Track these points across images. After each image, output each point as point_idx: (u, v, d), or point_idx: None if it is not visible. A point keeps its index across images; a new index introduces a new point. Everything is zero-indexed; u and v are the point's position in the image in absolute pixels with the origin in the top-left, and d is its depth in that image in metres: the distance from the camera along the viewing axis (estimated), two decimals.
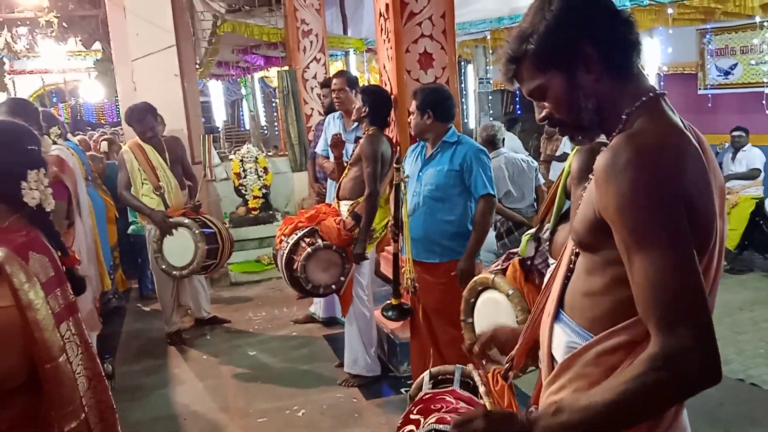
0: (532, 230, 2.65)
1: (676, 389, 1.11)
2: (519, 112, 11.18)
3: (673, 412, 1.25)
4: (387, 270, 4.69)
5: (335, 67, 10.87)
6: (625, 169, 1.15)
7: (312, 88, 7.55)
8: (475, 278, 2.75)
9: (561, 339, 1.37)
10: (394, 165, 3.51)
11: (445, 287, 3.54)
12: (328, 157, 5.00)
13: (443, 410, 1.54)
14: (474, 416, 1.20)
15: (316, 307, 5.46)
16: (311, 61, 7.54)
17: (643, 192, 1.14)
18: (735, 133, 6.96)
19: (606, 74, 1.27)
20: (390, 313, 3.75)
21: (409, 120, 3.58)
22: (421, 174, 3.58)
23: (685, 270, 1.12)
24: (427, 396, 1.68)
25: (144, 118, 4.97)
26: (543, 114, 1.35)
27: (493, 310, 2.62)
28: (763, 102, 7.36)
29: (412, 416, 1.58)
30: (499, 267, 2.68)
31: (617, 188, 1.16)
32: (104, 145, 7.39)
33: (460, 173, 3.49)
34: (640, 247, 1.15)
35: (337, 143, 4.49)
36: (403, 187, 3.47)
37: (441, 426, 1.46)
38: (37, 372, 1.64)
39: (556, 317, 1.40)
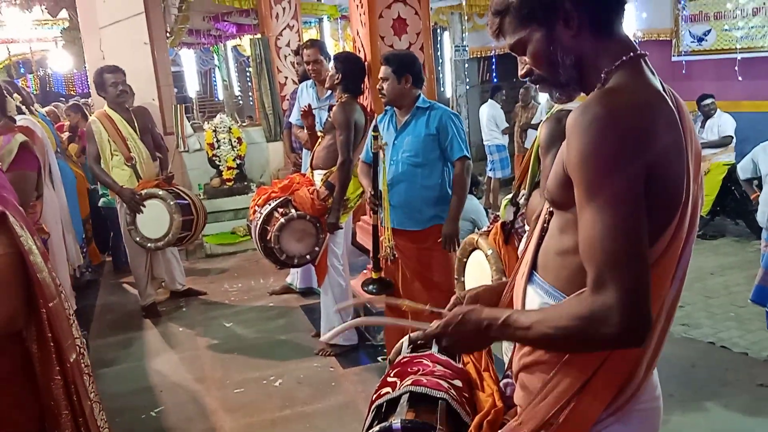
0: (510, 195, 2.71)
1: (594, 345, 1.18)
2: (495, 80, 11.13)
3: (644, 371, 1.25)
4: (363, 240, 4.67)
5: (309, 35, 10.73)
6: (591, 124, 1.15)
7: (285, 56, 7.43)
8: (466, 239, 2.89)
9: (534, 300, 1.37)
10: (372, 133, 3.45)
11: (428, 252, 3.56)
12: (302, 127, 4.94)
13: (420, 373, 1.54)
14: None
15: (293, 277, 5.44)
16: (284, 29, 7.40)
17: (602, 149, 1.14)
18: (704, 102, 6.99)
19: (586, 31, 1.26)
20: (371, 287, 3.73)
21: (379, 86, 3.52)
22: (396, 142, 3.54)
23: (625, 232, 1.13)
24: (404, 360, 1.67)
25: (100, 76, 4.82)
26: (524, 70, 1.37)
27: (478, 270, 2.76)
28: (736, 68, 7.41)
29: (389, 379, 1.58)
30: (485, 229, 2.84)
31: (580, 143, 1.16)
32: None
33: (437, 137, 3.47)
34: (588, 203, 1.16)
35: (307, 113, 4.42)
36: (382, 156, 3.43)
37: (417, 388, 1.46)
38: (35, 317, 1.80)
39: (529, 279, 1.40)
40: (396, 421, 1.38)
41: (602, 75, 1.26)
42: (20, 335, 1.83)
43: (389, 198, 3.52)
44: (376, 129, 3.46)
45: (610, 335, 1.12)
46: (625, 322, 1.10)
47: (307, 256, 4.01)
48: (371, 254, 3.77)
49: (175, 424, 3.54)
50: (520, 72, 1.39)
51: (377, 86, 3.55)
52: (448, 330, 1.33)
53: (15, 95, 4.16)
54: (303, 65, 5.40)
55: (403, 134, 3.53)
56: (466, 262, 2.86)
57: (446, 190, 3.55)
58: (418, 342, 1.81)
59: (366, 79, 4.18)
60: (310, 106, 4.49)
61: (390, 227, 3.54)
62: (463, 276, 2.88)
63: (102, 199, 6.28)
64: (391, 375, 1.60)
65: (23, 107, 4.24)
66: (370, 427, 1.44)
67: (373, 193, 3.56)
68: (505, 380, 1.52)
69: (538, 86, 1.39)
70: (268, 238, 3.91)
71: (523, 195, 2.63)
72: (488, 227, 2.84)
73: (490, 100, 9.35)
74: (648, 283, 1.12)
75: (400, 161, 3.51)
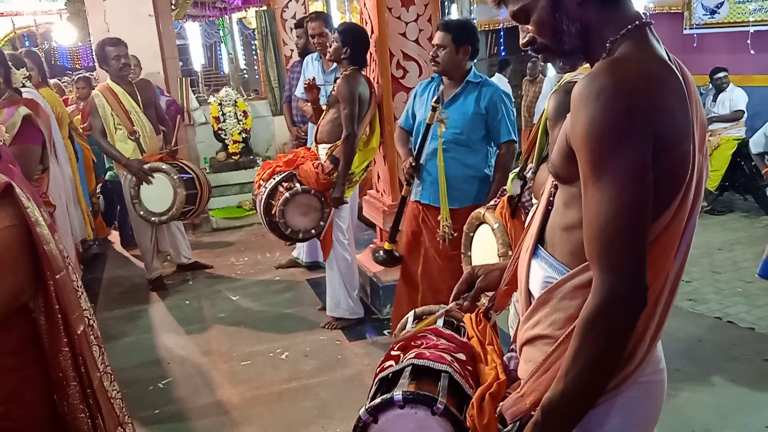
0: (517, 169, 2.69)
1: (617, 330, 1.15)
2: (503, 53, 11.01)
3: (648, 343, 1.25)
4: (370, 214, 4.66)
5: (315, 7, 10.59)
6: (598, 95, 1.12)
7: (291, 29, 7.32)
8: (473, 213, 2.82)
9: (538, 274, 1.36)
10: (432, 104, 3.27)
11: (460, 234, 3.28)
12: (308, 101, 4.89)
13: (423, 346, 1.54)
14: None
15: (299, 251, 5.45)
16: (290, 1, 7.31)
17: (609, 122, 1.11)
18: (717, 75, 6.91)
19: None
20: (379, 254, 3.71)
21: (434, 53, 3.34)
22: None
23: (630, 211, 1.12)
24: (409, 334, 1.68)
25: (102, 49, 4.77)
26: (526, 38, 1.33)
27: (484, 244, 2.72)
28: (748, 42, 7.29)
29: (393, 353, 1.59)
30: (493, 203, 2.78)
31: (586, 114, 1.13)
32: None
33: (485, 116, 3.32)
34: (594, 180, 1.14)
35: (311, 87, 4.35)
36: (440, 129, 3.26)
37: (419, 361, 1.46)
38: (42, 289, 1.80)
39: (534, 253, 1.39)
40: (398, 393, 1.39)
41: (607, 44, 1.23)
42: (27, 308, 1.83)
43: (426, 171, 3.42)
44: (438, 100, 3.26)
45: (624, 321, 1.14)
46: (633, 303, 1.14)
47: (312, 231, 4.01)
48: (391, 225, 3.72)
49: (182, 396, 3.58)
50: (522, 41, 1.35)
51: (431, 53, 3.36)
52: None
53: (23, 69, 4.12)
54: (303, 38, 5.36)
55: (450, 108, 3.34)
56: (473, 237, 2.84)
57: (485, 172, 3.41)
58: (423, 317, 1.82)
59: (371, 51, 4.13)
60: (314, 79, 4.44)
61: (447, 205, 3.37)
62: (470, 250, 2.86)
63: (108, 173, 6.28)
64: (395, 349, 1.61)
65: (28, 82, 4.20)
66: (373, 399, 1.44)
67: (414, 164, 3.45)
68: (509, 354, 1.52)
69: (540, 56, 1.35)
70: (273, 212, 3.90)
71: (530, 169, 2.60)
72: (495, 201, 2.80)
73: (497, 74, 9.25)
74: (646, 259, 1.14)
75: (443, 136, 3.33)
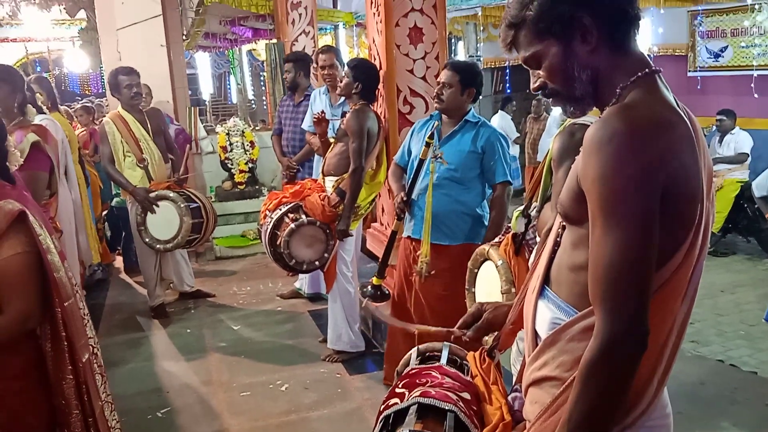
0: (521, 207, 2.71)
1: (619, 379, 1.16)
2: (509, 90, 11.13)
3: (655, 388, 1.25)
4: (373, 247, 4.67)
5: (324, 41, 10.76)
6: (611, 140, 1.14)
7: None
8: (477, 250, 2.84)
9: (545, 315, 1.36)
10: (426, 140, 3.31)
11: (450, 273, 3.34)
12: (315, 133, 4.95)
13: (428, 384, 1.54)
14: None
15: (302, 282, 5.45)
16: (300, 35, 7.43)
17: (621, 166, 1.13)
18: (719, 117, 6.97)
19: (602, 46, 1.26)
20: (367, 289, 3.71)
21: (438, 91, 3.39)
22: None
23: (635, 254, 1.13)
24: (413, 371, 1.68)
25: (114, 77, 4.85)
26: (537, 83, 1.35)
27: (488, 280, 2.73)
28: (752, 85, 7.37)
29: (397, 390, 1.58)
30: (497, 240, 2.79)
31: (598, 158, 1.15)
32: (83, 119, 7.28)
33: (481, 156, 3.36)
34: (602, 222, 1.16)
35: (320, 120, 4.41)
36: (431, 165, 3.31)
37: (425, 399, 1.46)
38: (50, 315, 1.83)
39: (540, 293, 1.40)
40: None
41: (617, 90, 1.26)
42: (34, 333, 1.85)
43: (417, 206, 3.46)
44: (431, 136, 3.30)
45: (625, 365, 1.15)
46: (634, 348, 1.15)
47: (317, 262, 4.01)
48: (380, 260, 3.72)
49: (181, 426, 3.55)
50: (533, 85, 1.38)
51: (436, 91, 3.41)
52: None
53: (38, 95, 4.18)
54: (292, 72, 5.50)
55: (446, 146, 3.39)
56: (476, 273, 2.85)
57: (478, 211, 3.43)
58: (426, 354, 1.83)
59: (380, 86, 4.19)
60: (323, 112, 4.48)
61: (429, 240, 3.42)
62: (474, 287, 2.86)
63: (115, 199, 6.32)
64: (400, 386, 1.60)
65: (44, 107, 4.26)
66: None
67: (405, 199, 3.48)
68: (513, 394, 1.52)
69: (551, 100, 1.38)
70: (278, 243, 3.92)
71: (534, 207, 2.62)
72: (499, 238, 2.82)
73: (500, 111, 9.36)
74: (648, 306, 1.15)
75: (437, 171, 3.37)
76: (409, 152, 3.59)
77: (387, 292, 3.67)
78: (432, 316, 3.46)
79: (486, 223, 3.44)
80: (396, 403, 1.51)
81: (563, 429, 1.19)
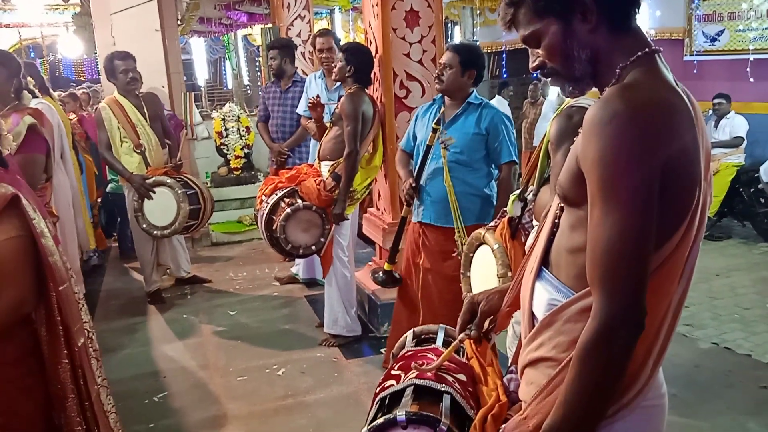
0: (518, 191, 2.71)
1: (616, 352, 1.16)
2: (505, 75, 11.09)
3: (651, 368, 1.26)
4: (369, 232, 4.68)
5: (320, 25, 10.70)
6: (611, 121, 1.14)
7: (296, 47, 7.42)
8: (473, 234, 2.84)
9: (542, 296, 1.36)
10: (433, 125, 3.32)
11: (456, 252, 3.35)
12: (310, 118, 4.93)
13: (423, 366, 1.54)
14: None
15: (298, 267, 5.45)
16: (295, 19, 7.36)
17: (621, 147, 1.13)
18: (716, 101, 6.96)
19: (602, 25, 1.25)
20: (379, 275, 3.73)
21: (439, 72, 3.39)
22: (441, 135, 3.40)
23: (633, 235, 1.13)
24: (409, 353, 1.68)
25: (110, 62, 4.82)
26: (536, 62, 1.34)
27: (484, 265, 2.74)
28: (748, 69, 7.35)
29: (393, 372, 1.59)
30: (493, 224, 2.80)
31: (599, 140, 1.15)
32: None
33: (485, 138, 3.35)
34: (601, 203, 1.15)
35: (316, 105, 4.38)
36: (442, 150, 3.31)
37: (421, 381, 1.46)
38: (45, 300, 1.82)
39: (538, 275, 1.40)
40: (401, 413, 1.39)
41: (617, 70, 1.25)
42: (29, 318, 1.84)
43: (426, 192, 3.46)
44: (438, 122, 3.32)
45: (621, 347, 1.15)
46: (632, 329, 1.15)
47: (313, 247, 4.02)
48: (391, 245, 3.74)
49: (177, 410, 3.56)
50: (532, 64, 1.37)
51: (437, 72, 3.41)
52: None
53: (29, 79, 4.16)
54: (278, 59, 5.49)
55: (451, 129, 3.39)
56: (472, 257, 2.85)
57: (486, 191, 3.43)
58: (422, 336, 1.83)
59: (376, 71, 4.17)
60: (318, 97, 4.47)
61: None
62: (469, 271, 2.87)
63: (110, 185, 6.30)
64: (396, 368, 1.61)
65: (36, 90, 4.24)
66: (374, 419, 1.44)
67: (414, 185, 3.48)
68: (509, 375, 1.52)
69: (549, 79, 1.37)
70: (274, 227, 3.92)
71: (531, 191, 2.62)
72: (496, 222, 2.82)
73: (497, 96, 9.32)
74: (646, 288, 1.15)
75: (442, 156, 3.36)
76: (414, 138, 3.59)
77: (398, 276, 3.71)
78: (440, 299, 3.48)
79: (494, 203, 3.45)
80: (392, 385, 1.51)
81: (559, 409, 1.20)
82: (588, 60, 1.28)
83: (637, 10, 1.28)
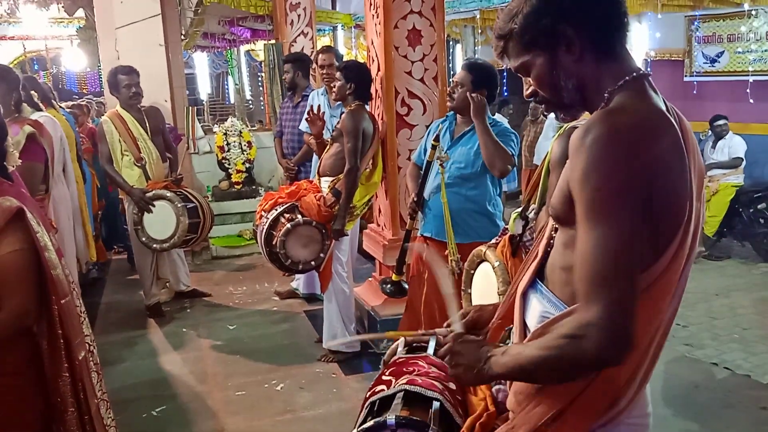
0: (519, 209, 2.72)
1: (578, 363, 1.18)
2: (506, 93, 11.14)
3: (638, 384, 1.27)
4: (370, 248, 4.69)
5: (322, 42, 10.77)
6: (593, 143, 1.17)
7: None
8: (474, 251, 2.86)
9: (536, 308, 1.39)
10: (432, 142, 3.38)
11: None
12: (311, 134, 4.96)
13: (415, 373, 1.56)
14: (450, 336, 1.43)
15: (298, 282, 5.46)
16: (298, 35, 7.44)
17: (604, 168, 1.16)
18: (717, 122, 6.99)
19: (588, 54, 1.29)
20: (388, 287, 3.75)
21: (451, 90, 3.43)
22: (449, 151, 3.45)
23: (615, 251, 1.15)
24: (400, 360, 1.70)
25: (114, 76, 4.86)
26: (530, 90, 1.40)
27: (484, 282, 2.75)
28: (748, 90, 7.40)
29: (384, 377, 1.61)
30: (494, 241, 2.80)
31: (583, 161, 1.18)
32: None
33: None
34: (586, 221, 1.18)
35: (314, 119, 4.40)
36: (440, 167, 3.37)
37: (411, 387, 1.48)
38: (47, 313, 1.83)
39: (533, 287, 1.41)
40: (390, 417, 1.41)
41: (605, 95, 1.28)
42: (30, 331, 1.85)
43: (428, 206, 3.51)
44: (437, 139, 3.37)
45: (590, 352, 1.14)
46: (605, 340, 1.13)
47: (312, 262, 4.02)
48: (398, 257, 3.78)
49: (176, 424, 3.55)
50: (526, 92, 1.42)
51: (448, 89, 3.45)
52: (453, 349, 1.39)
53: (32, 92, 4.20)
54: (291, 72, 5.55)
55: (458, 144, 3.44)
56: (473, 274, 2.86)
57: (489, 209, 3.45)
58: (413, 345, 1.84)
59: (378, 88, 4.20)
60: (319, 109, 4.45)
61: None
62: (470, 288, 2.87)
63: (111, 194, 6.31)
64: (387, 374, 1.63)
65: (39, 103, 4.27)
66: (364, 422, 1.46)
67: (416, 199, 3.53)
68: (497, 386, 1.54)
69: (543, 106, 1.42)
70: (274, 243, 3.92)
71: (532, 209, 2.63)
72: (497, 239, 2.84)
73: (497, 114, 9.35)
74: (633, 304, 1.14)
75: (448, 171, 3.41)
76: (425, 152, 3.63)
77: (406, 287, 3.73)
78: (441, 315, 3.47)
79: (498, 222, 3.48)
80: (382, 390, 1.53)
81: (522, 354, 1.25)
82: (575, 88, 1.32)
83: (625, 35, 1.31)
